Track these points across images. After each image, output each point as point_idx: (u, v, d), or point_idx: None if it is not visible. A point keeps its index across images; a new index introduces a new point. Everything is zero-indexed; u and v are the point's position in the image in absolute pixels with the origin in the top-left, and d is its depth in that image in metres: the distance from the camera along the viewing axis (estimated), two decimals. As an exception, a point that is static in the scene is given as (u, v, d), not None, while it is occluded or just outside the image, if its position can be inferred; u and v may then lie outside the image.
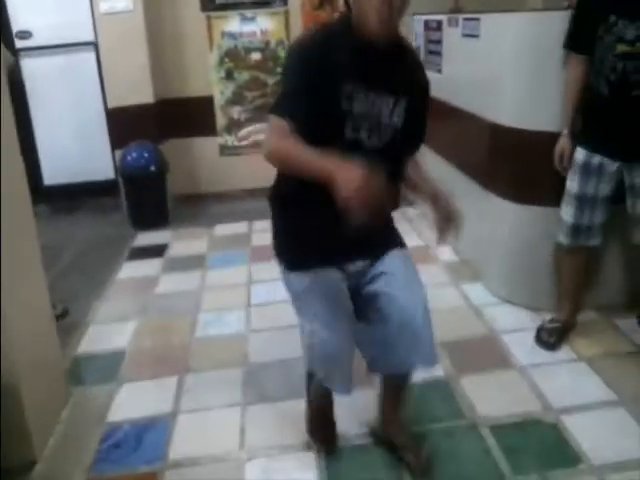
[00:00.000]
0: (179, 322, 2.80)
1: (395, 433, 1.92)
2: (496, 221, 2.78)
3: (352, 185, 1.25)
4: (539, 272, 2.63)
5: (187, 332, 2.71)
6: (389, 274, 1.66)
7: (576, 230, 2.31)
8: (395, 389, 1.89)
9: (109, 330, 2.78)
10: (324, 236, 1.58)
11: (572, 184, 2.28)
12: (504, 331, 2.55)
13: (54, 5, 4.02)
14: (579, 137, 2.26)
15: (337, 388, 1.77)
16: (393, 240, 1.76)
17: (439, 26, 3.40)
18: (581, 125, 2.26)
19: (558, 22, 2.39)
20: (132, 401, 2.25)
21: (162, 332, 2.73)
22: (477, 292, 2.89)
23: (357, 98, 1.49)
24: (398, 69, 1.56)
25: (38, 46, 4.04)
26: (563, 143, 2.29)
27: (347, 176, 1.27)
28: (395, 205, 1.75)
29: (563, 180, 2.34)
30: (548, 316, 2.52)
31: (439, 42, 3.41)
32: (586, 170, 2.23)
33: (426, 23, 3.64)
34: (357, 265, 1.67)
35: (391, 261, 1.68)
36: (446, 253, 3.36)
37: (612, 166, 2.19)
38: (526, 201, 2.59)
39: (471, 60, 2.96)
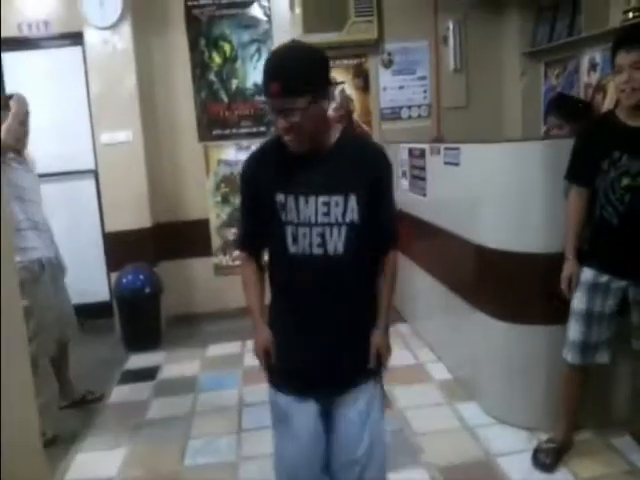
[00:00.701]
0: (169, 449, 2.74)
1: None
2: (487, 340, 2.80)
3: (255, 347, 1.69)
4: (533, 391, 2.62)
5: (176, 460, 2.64)
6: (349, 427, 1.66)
7: (585, 348, 2.33)
8: None
9: (97, 459, 2.72)
10: (296, 359, 1.63)
11: (579, 303, 2.32)
12: (500, 453, 2.50)
13: (57, 136, 4.28)
14: (586, 259, 2.33)
15: None
16: (363, 369, 1.67)
17: (422, 154, 3.62)
18: (588, 248, 2.34)
19: (534, 151, 2.58)
20: (116, 537, 2.16)
21: (151, 460, 2.66)
22: (472, 412, 2.86)
23: (288, 206, 1.54)
24: (338, 169, 1.56)
25: (40, 174, 4.24)
26: (571, 268, 2.34)
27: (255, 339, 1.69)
28: (372, 313, 1.67)
29: (552, 300, 2.39)
30: (544, 436, 2.49)
31: (423, 168, 3.62)
32: (594, 289, 2.29)
33: (410, 151, 3.87)
34: (328, 393, 1.67)
35: (354, 414, 1.66)
36: (440, 371, 3.35)
37: (619, 284, 2.27)
38: (515, 320, 2.62)
39: (453, 186, 3.11)
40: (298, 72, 1.46)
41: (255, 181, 1.59)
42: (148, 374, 3.66)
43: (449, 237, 3.14)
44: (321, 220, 1.53)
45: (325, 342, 1.61)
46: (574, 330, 2.34)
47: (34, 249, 2.86)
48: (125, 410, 3.21)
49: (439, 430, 2.74)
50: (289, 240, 1.55)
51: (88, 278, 4.39)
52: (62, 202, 3.80)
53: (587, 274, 2.31)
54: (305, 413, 1.65)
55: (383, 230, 1.64)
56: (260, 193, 1.57)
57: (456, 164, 3.05)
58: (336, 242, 1.54)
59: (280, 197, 1.54)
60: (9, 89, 4.15)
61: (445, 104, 4.72)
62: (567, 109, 3.05)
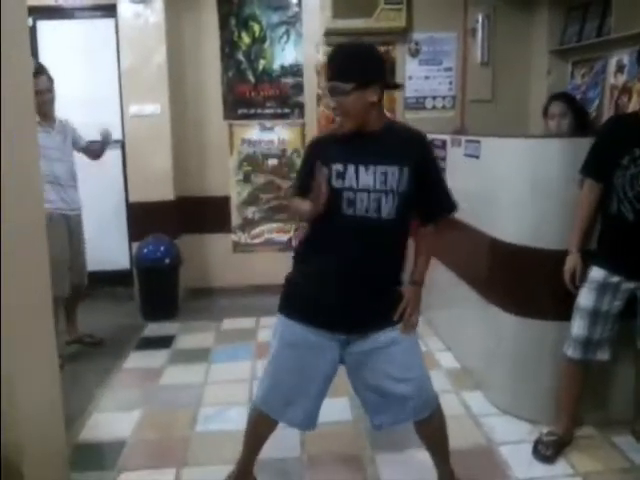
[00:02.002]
0: (181, 415, 2.83)
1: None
2: (497, 332, 2.84)
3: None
4: (539, 385, 2.66)
5: (188, 426, 2.73)
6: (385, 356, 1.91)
7: (587, 344, 2.36)
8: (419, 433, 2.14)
9: (112, 419, 2.81)
10: (320, 296, 1.86)
11: (586, 301, 2.35)
12: (502, 442, 2.56)
13: (87, 105, 4.35)
14: (597, 258, 2.36)
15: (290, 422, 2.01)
16: (386, 318, 1.92)
17: (444, 145, 3.65)
18: (600, 247, 2.38)
19: (553, 148, 2.60)
20: (130, 491, 2.26)
21: (163, 424, 2.75)
22: (477, 401, 2.91)
23: (348, 174, 1.78)
24: (390, 146, 1.81)
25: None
26: (574, 262, 2.38)
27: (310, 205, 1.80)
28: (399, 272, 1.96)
29: (562, 296, 2.42)
30: (546, 429, 2.53)
31: (444, 159, 3.65)
32: (603, 288, 2.32)
33: (432, 142, 3.90)
34: (349, 337, 1.90)
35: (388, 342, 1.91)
36: (448, 360, 3.41)
37: (629, 285, 2.30)
38: (526, 314, 2.66)
39: (472, 178, 3.14)
40: (349, 62, 1.77)
41: (316, 154, 1.85)
42: (164, 342, 3.75)
43: (465, 229, 3.16)
44: (379, 187, 1.77)
45: (358, 289, 1.84)
46: (578, 326, 2.38)
47: (49, 202, 3.11)
48: (140, 375, 3.31)
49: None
50: (344, 204, 1.78)
51: (110, 246, 4.49)
52: (88, 170, 3.86)
53: (597, 273, 2.34)
54: (322, 348, 1.90)
55: (439, 201, 1.90)
56: (322, 164, 1.78)
57: (476, 157, 3.08)
58: (390, 208, 1.78)
59: (338, 166, 1.79)
60: (42, 57, 4.23)
61: (470, 97, 4.73)
62: (576, 102, 3.07)
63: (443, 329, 3.74)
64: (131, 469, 2.41)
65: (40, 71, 3.22)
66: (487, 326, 2.93)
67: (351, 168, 1.78)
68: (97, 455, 2.52)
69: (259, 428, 2.10)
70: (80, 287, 3.57)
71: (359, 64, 1.77)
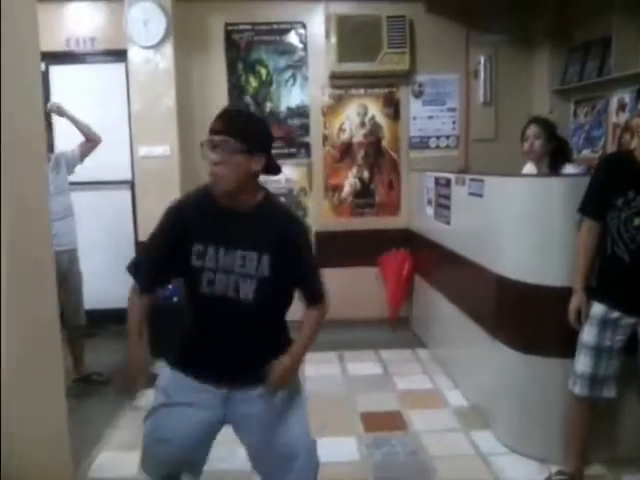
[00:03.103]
0: (187, 454, 2.81)
1: None
2: (504, 369, 2.83)
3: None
4: (547, 423, 2.65)
5: (194, 465, 2.70)
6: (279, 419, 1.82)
7: (593, 381, 2.36)
8: None
9: (119, 459, 2.80)
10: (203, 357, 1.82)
11: (589, 337, 2.36)
12: (512, 482, 2.52)
13: (98, 147, 4.46)
14: (597, 294, 2.38)
15: None
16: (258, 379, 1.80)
17: (448, 183, 3.71)
18: (598, 283, 2.39)
19: (555, 187, 2.65)
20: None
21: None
22: (486, 440, 2.89)
23: (208, 255, 1.72)
24: (255, 228, 1.73)
25: (80, 182, 4.42)
26: (580, 301, 2.38)
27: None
28: (277, 353, 1.80)
29: (568, 333, 2.43)
30: (555, 467, 2.51)
31: (448, 197, 3.70)
32: (604, 324, 2.34)
33: (436, 180, 3.96)
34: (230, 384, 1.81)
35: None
36: (456, 398, 3.39)
37: (629, 320, 2.32)
38: (532, 352, 2.66)
39: (476, 216, 3.19)
40: (246, 124, 1.73)
41: (179, 224, 1.77)
42: None
43: (470, 266, 3.20)
44: (238, 270, 1.72)
45: (228, 363, 1.78)
46: (583, 363, 2.38)
47: None
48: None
49: (453, 455, 2.78)
50: (204, 283, 1.73)
51: (120, 284, 4.48)
52: (99, 210, 3.95)
53: (597, 309, 2.36)
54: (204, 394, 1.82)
55: (306, 289, 1.84)
56: (180, 237, 1.74)
57: (480, 195, 3.12)
58: (247, 290, 1.72)
59: (199, 247, 1.73)
60: (55, 100, 4.35)
61: (473, 136, 4.82)
62: (552, 127, 3.13)
63: (451, 366, 3.73)
64: (139, 510, 2.38)
65: None
66: (494, 363, 2.92)
67: (211, 249, 1.73)
68: (104, 496, 2.50)
69: None
70: (77, 327, 3.56)
71: (254, 129, 1.73)
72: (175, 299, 4.03)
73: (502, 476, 2.58)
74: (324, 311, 1.88)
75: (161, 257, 1.80)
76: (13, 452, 1.80)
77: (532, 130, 3.08)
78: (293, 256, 1.76)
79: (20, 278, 1.86)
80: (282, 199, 4.75)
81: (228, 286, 1.73)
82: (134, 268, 1.90)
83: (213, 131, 1.69)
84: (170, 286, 4.05)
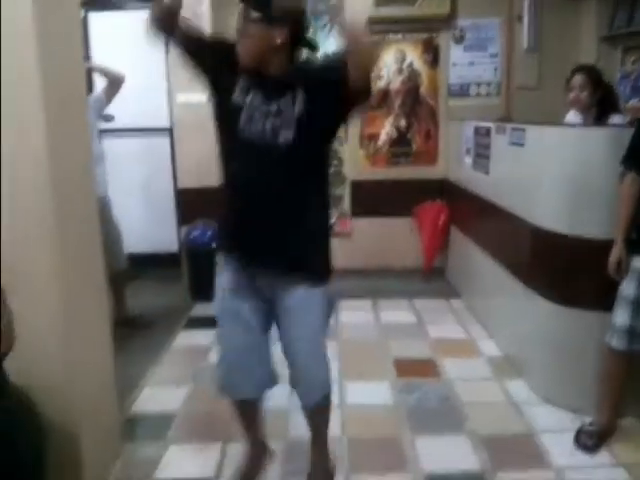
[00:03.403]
0: (227, 392, 2.93)
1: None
2: (539, 321, 2.84)
3: None
4: (581, 374, 2.65)
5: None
6: (291, 319, 1.86)
7: (631, 335, 2.34)
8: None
9: (162, 394, 2.93)
10: (243, 231, 1.80)
11: (628, 290, 2.33)
12: (543, 430, 2.56)
13: (137, 94, 4.48)
14: (637, 247, 2.33)
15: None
16: (304, 264, 1.82)
17: (488, 132, 3.63)
18: (638, 236, 2.33)
19: (597, 138, 2.57)
20: (178, 463, 2.38)
21: (211, 400, 2.81)
22: (519, 389, 2.92)
23: (251, 95, 1.70)
24: (290, 82, 1.70)
25: (119, 128, 4.48)
26: (620, 253, 2.34)
27: None
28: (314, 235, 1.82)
29: (605, 285, 2.40)
30: (589, 419, 2.53)
31: (487, 147, 3.64)
32: None
33: (476, 128, 3.89)
34: (268, 279, 1.83)
35: (296, 303, 1.83)
36: (490, 348, 3.42)
37: None
38: (568, 303, 2.65)
39: (516, 166, 3.13)
40: None
41: (222, 56, 1.75)
42: (211, 322, 3.76)
43: (508, 216, 3.17)
44: (276, 114, 1.68)
45: (270, 224, 1.75)
46: (621, 316, 2.35)
47: None
48: (189, 352, 3.43)
49: (485, 402, 2.82)
50: (242, 122, 1.70)
51: (160, 230, 4.64)
52: (139, 156, 4.01)
53: (638, 262, 2.32)
54: (244, 295, 1.86)
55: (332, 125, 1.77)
56: (228, 63, 1.72)
57: (521, 145, 3.06)
58: (287, 133, 1.68)
59: (243, 84, 1.71)
60: (94, 47, 4.38)
61: (516, 83, 4.67)
62: (598, 75, 3.01)
63: (485, 317, 3.75)
64: (180, 442, 2.52)
65: None
66: (529, 314, 2.93)
67: (252, 91, 1.71)
68: (148, 427, 2.64)
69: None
70: (118, 271, 3.63)
71: (279, 3, 1.66)
72: (214, 244, 4.13)
73: (534, 425, 2.61)
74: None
75: (199, 47, 1.81)
76: (62, 387, 1.91)
77: (577, 80, 2.98)
78: (334, 86, 1.64)
79: (65, 222, 1.93)
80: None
81: (266, 128, 1.68)
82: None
83: (245, 1, 1.68)
84: (209, 231, 4.15)
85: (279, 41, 1.66)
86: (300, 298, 1.82)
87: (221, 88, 1.76)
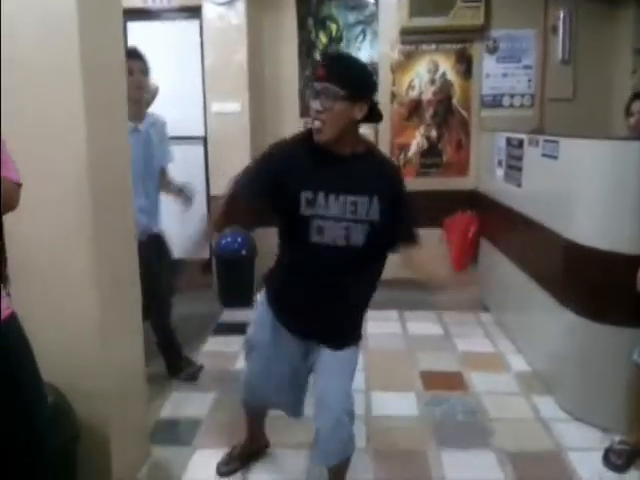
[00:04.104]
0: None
1: None
2: (570, 336, 2.80)
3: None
4: (612, 391, 2.61)
5: (260, 410, 2.85)
6: (326, 378, 1.92)
7: None
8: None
9: (190, 399, 2.98)
10: (296, 308, 1.89)
11: None
12: (571, 448, 2.53)
13: (173, 103, 4.58)
14: None
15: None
16: (347, 336, 1.95)
17: (520, 144, 3.60)
18: None
19: (633, 152, 2.53)
20: (205, 467, 2.41)
21: (237, 406, 2.85)
22: (547, 406, 2.88)
23: (318, 202, 1.72)
24: (362, 174, 1.76)
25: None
26: None
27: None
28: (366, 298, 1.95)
29: (638, 301, 2.36)
30: (618, 437, 2.48)
31: (520, 158, 3.61)
32: None
33: (508, 140, 3.86)
34: (312, 345, 1.94)
35: (332, 364, 1.91)
36: (519, 363, 3.38)
37: None
38: (600, 319, 2.61)
39: (549, 179, 3.10)
40: (347, 69, 1.72)
41: (284, 168, 1.75)
42: (239, 328, 3.79)
43: (540, 230, 3.13)
44: (349, 216, 1.74)
45: (326, 309, 1.85)
46: None
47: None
48: (217, 358, 3.48)
49: (512, 418, 2.79)
50: (313, 231, 1.75)
51: (192, 236, 4.69)
52: (174, 164, 4.05)
53: None
54: (289, 339, 1.94)
55: (402, 230, 1.87)
56: (284, 184, 1.73)
57: (554, 157, 3.03)
58: (358, 236, 1.75)
59: (308, 194, 1.73)
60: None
61: (550, 95, 4.62)
62: None
63: (514, 331, 3.71)
64: (206, 447, 2.56)
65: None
66: (560, 330, 2.89)
67: (321, 196, 1.72)
68: (175, 432, 2.69)
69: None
70: None
71: (357, 75, 1.73)
72: (244, 252, 4.19)
73: (562, 442, 2.58)
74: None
75: (262, 190, 1.77)
76: (95, 390, 1.97)
77: (638, 106, 2.97)
78: (397, 200, 1.81)
79: (103, 228, 1.99)
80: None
81: (338, 233, 1.74)
82: (235, 190, 1.89)
83: (316, 78, 1.71)
84: (239, 238, 4.20)
85: (360, 116, 1.71)
86: (338, 356, 1.93)
87: (287, 203, 1.76)
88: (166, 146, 3.16)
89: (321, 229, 1.73)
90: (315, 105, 1.69)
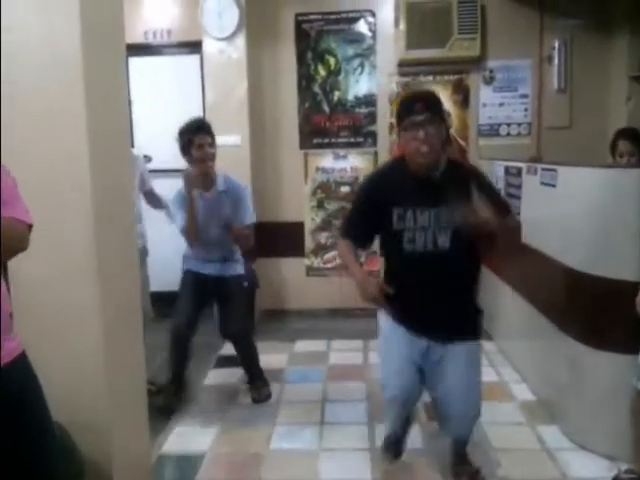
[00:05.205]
0: (256, 432, 2.94)
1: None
2: (573, 364, 2.78)
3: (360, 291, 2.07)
4: (617, 420, 2.57)
5: (263, 443, 2.83)
6: (451, 373, 2.18)
7: None
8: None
9: (192, 433, 2.96)
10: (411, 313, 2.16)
11: None
12: (577, 478, 2.50)
13: (174, 136, 4.65)
14: None
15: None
16: (466, 330, 2.21)
17: (519, 172, 3.63)
18: None
19: (631, 179, 2.55)
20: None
21: (240, 440, 2.87)
22: (552, 435, 2.85)
23: (407, 217, 2.04)
24: (444, 187, 2.00)
25: (156, 169, 4.62)
26: None
27: (359, 286, 2.07)
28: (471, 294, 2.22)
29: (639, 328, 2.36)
30: (625, 465, 2.45)
31: (519, 187, 3.63)
32: None
33: (507, 169, 3.89)
34: (430, 343, 2.18)
35: (457, 358, 2.17)
36: (523, 392, 3.35)
37: None
38: (603, 347, 2.60)
39: (548, 207, 3.12)
40: (433, 100, 2.07)
41: (376, 197, 2.13)
42: None
43: (541, 258, 3.14)
44: (434, 225, 2.04)
45: (432, 311, 2.11)
46: None
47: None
48: (219, 392, 3.46)
49: (518, 448, 2.76)
50: (405, 241, 2.07)
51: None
52: (172, 194, 4.10)
53: None
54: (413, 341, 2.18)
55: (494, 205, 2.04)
56: (379, 207, 2.09)
57: (553, 185, 3.05)
58: (444, 240, 2.05)
59: (399, 210, 2.06)
60: (134, 90, 4.56)
61: (547, 124, 4.68)
62: None
63: (518, 360, 3.68)
64: (209, 481, 2.53)
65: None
66: (564, 358, 2.87)
67: (409, 212, 2.04)
68: (178, 467, 2.66)
69: None
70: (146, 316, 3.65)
71: (439, 100, 2.10)
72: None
73: (568, 472, 2.55)
74: (512, 220, 2.21)
75: (366, 223, 2.15)
76: (99, 426, 1.96)
77: (626, 146, 3.06)
78: (482, 193, 2.01)
79: (107, 258, 2.01)
80: (347, 188, 4.83)
81: (427, 240, 2.04)
82: (345, 230, 2.26)
83: (414, 111, 1.97)
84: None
85: (445, 135, 2.06)
86: (463, 352, 2.19)
87: (384, 224, 2.11)
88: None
89: (411, 239, 2.06)
90: (420, 135, 1.96)
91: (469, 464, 2.49)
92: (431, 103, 2.02)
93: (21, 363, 1.45)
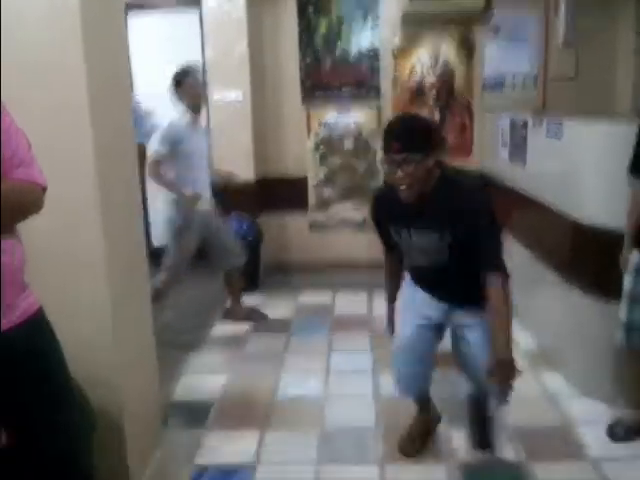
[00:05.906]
0: (264, 381, 3.00)
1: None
2: (577, 314, 2.81)
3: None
4: (618, 367, 2.63)
5: (270, 391, 2.89)
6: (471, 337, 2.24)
7: (629, 330, 2.34)
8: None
9: (201, 382, 3.02)
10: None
11: (627, 284, 2.34)
12: (579, 423, 2.55)
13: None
14: (637, 241, 2.33)
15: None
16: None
17: (525, 125, 3.60)
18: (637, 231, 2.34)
19: (635, 132, 2.53)
20: (218, 448, 2.45)
21: (248, 389, 2.93)
22: (554, 381, 2.91)
23: (402, 236, 2.09)
24: (435, 210, 1.97)
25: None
26: (627, 254, 2.37)
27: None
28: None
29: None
30: (625, 411, 2.51)
31: (524, 139, 3.61)
32: (636, 271, 2.31)
33: (512, 121, 3.86)
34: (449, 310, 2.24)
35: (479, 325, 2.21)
36: (526, 340, 3.40)
37: None
38: (606, 297, 2.61)
39: (553, 159, 3.10)
40: (414, 134, 1.91)
41: (379, 217, 2.23)
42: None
43: (545, 209, 3.14)
44: (427, 245, 2.03)
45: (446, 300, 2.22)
46: (622, 311, 2.35)
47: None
48: (226, 343, 3.52)
49: (520, 396, 2.73)
50: (406, 254, 2.18)
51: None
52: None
53: (635, 256, 2.31)
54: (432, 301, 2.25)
55: (482, 261, 1.97)
56: (381, 224, 2.22)
57: (558, 138, 3.03)
58: (440, 256, 2.04)
59: (396, 228, 2.11)
60: (131, 48, 4.47)
61: (552, 75, 4.61)
62: None
63: (521, 309, 3.70)
64: (219, 429, 2.59)
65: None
66: (567, 308, 2.91)
67: (404, 232, 2.07)
68: (188, 414, 2.71)
69: None
70: (235, 269, 3.90)
71: (424, 134, 1.93)
72: (249, 238, 4.21)
73: (570, 417, 2.60)
74: (505, 289, 2.02)
75: (385, 236, 2.22)
76: (109, 378, 1.99)
77: None
78: (470, 229, 1.93)
79: (112, 214, 2.00)
80: (351, 141, 4.79)
81: (422, 257, 2.09)
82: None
83: (392, 150, 1.89)
84: (244, 225, 4.22)
85: (433, 162, 1.93)
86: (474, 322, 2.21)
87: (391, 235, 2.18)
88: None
89: (409, 254, 2.15)
90: (399, 174, 1.90)
91: (489, 435, 2.40)
92: (408, 142, 1.88)
93: (39, 319, 1.47)
